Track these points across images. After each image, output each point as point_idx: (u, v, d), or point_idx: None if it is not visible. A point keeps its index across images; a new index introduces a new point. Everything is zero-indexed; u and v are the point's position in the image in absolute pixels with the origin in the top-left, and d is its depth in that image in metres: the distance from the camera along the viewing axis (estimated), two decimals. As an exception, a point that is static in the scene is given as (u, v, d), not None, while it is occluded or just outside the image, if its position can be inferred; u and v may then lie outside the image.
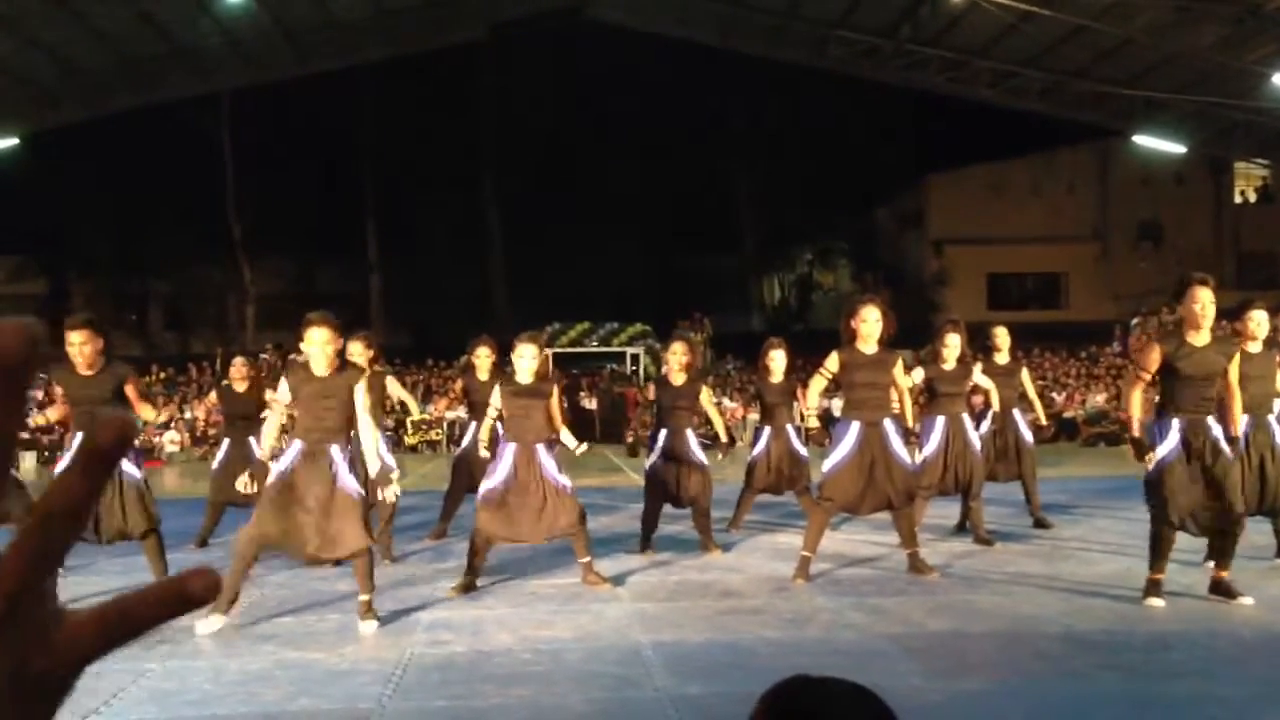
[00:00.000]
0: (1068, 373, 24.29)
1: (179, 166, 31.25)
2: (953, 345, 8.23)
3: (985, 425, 8.69)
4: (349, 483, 5.83)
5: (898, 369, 6.94)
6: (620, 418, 23.70)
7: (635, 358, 26.39)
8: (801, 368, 23.10)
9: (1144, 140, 25.75)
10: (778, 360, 8.88)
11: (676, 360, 8.21)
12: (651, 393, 8.64)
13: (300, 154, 31.64)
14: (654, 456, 8.21)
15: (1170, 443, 5.98)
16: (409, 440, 21.80)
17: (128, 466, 6.51)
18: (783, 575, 7.02)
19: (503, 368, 8.19)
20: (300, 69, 25.12)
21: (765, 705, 1.55)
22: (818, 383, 7.22)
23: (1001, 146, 33.24)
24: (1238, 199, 36.77)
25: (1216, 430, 6.00)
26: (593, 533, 9.01)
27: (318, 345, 6.12)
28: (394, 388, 9.16)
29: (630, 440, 19.84)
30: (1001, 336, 8.82)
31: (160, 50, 22.07)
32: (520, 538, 6.74)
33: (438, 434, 22.51)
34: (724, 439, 8.93)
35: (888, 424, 6.83)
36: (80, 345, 6.35)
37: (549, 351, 7.11)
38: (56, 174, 29.67)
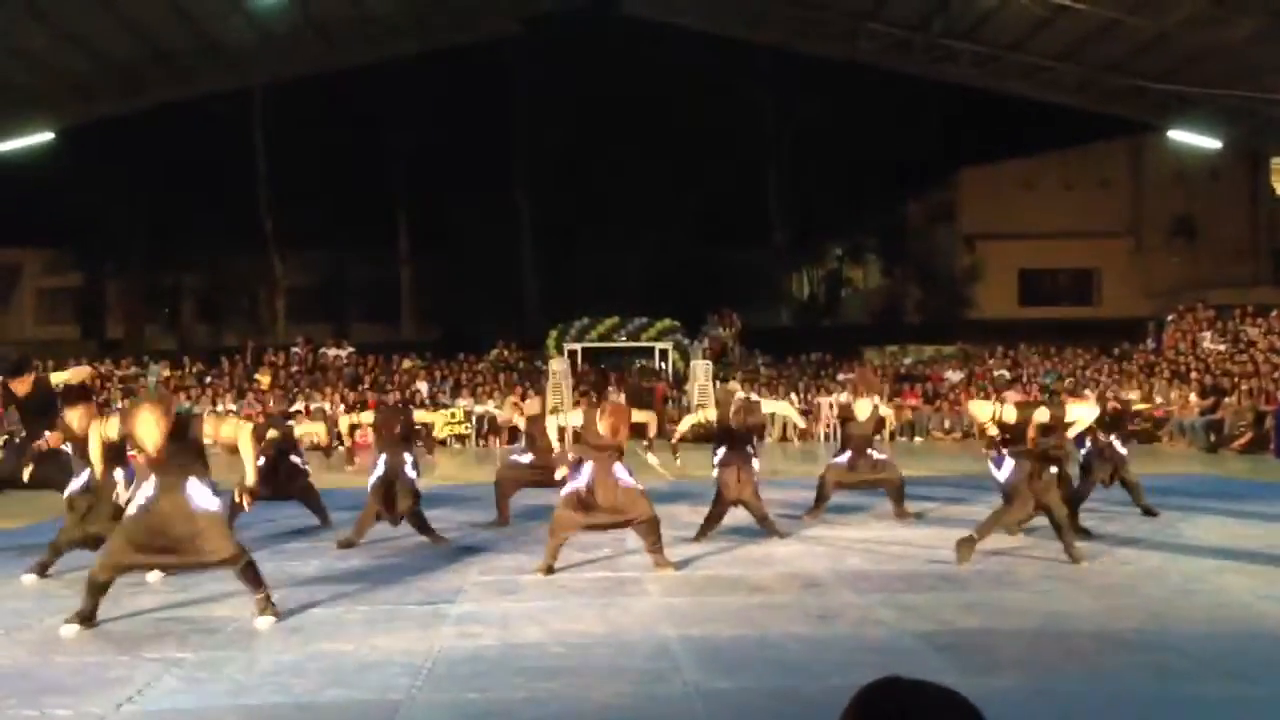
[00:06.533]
0: (1099, 370, 24.04)
1: (212, 160, 31.44)
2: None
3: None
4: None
5: None
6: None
7: (664, 353, 26.38)
8: (831, 362, 22.93)
9: (1179, 135, 25.44)
10: (863, 409, 9.62)
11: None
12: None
13: (331, 148, 31.75)
14: (717, 458, 8.73)
15: None
16: (438, 434, 21.83)
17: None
18: (812, 572, 7.01)
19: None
20: (331, 63, 25.23)
21: (858, 704, 1.54)
22: None
23: (1034, 141, 32.99)
24: (1274, 194, 36.32)
25: None
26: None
27: None
28: None
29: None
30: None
31: (193, 44, 22.22)
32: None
33: (466, 428, 22.58)
34: (799, 424, 9.88)
35: None
36: None
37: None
38: (91, 168, 29.93)
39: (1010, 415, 7.54)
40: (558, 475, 8.51)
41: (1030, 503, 7.47)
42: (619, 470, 7.31)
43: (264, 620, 5.70)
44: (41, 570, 7.21)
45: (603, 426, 7.35)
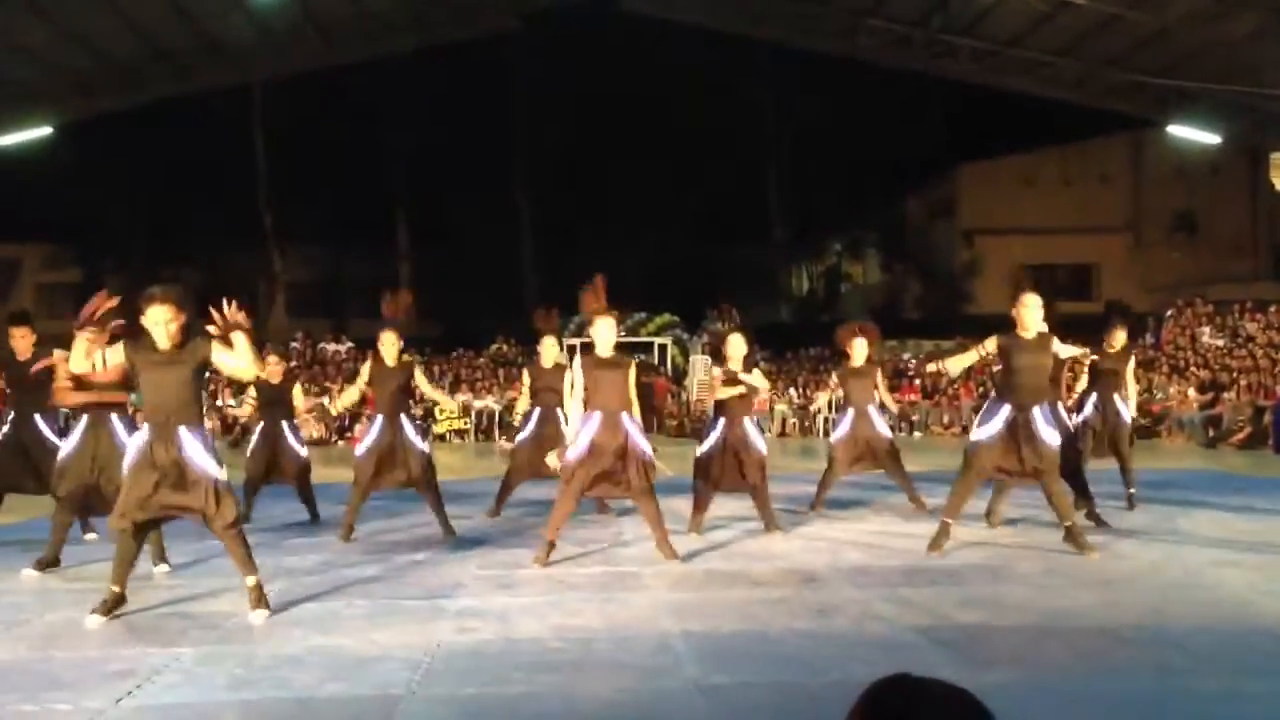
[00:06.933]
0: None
1: (211, 156, 31.44)
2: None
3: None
4: None
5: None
6: (647, 407, 23.73)
7: (663, 348, 26.37)
8: (830, 358, 22.85)
9: (1178, 130, 25.45)
10: (859, 348, 9.45)
11: (736, 351, 8.38)
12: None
13: (331, 143, 31.75)
14: (708, 443, 8.39)
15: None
16: (437, 429, 21.86)
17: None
18: (811, 567, 7.01)
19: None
20: (331, 59, 25.22)
21: (866, 701, 1.54)
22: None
23: (1034, 136, 32.99)
24: (1274, 190, 36.27)
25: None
26: (623, 520, 9.05)
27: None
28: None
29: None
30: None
31: (193, 41, 22.21)
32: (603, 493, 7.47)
33: (465, 423, 22.59)
34: (754, 385, 8.99)
35: None
36: None
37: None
38: (91, 164, 29.91)
39: (992, 344, 7.34)
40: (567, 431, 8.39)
41: (985, 458, 7.22)
42: (629, 423, 7.04)
43: (258, 615, 5.69)
44: (46, 565, 7.16)
45: (597, 334, 7.30)
